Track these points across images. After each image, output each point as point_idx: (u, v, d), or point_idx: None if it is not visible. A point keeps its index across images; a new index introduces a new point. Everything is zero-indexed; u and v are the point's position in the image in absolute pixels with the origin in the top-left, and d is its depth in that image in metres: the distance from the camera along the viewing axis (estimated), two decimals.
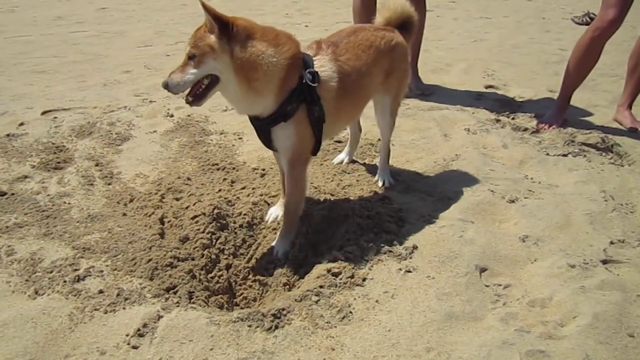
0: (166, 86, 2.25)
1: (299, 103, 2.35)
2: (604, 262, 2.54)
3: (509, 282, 2.39)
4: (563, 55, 6.94)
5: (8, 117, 4.15)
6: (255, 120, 2.45)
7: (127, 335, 1.98)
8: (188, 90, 2.30)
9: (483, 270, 2.45)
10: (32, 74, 5.46)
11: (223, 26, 2.17)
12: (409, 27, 3.08)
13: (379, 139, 3.30)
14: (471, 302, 2.23)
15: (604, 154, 3.79)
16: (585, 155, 3.74)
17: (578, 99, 4.75)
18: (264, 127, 2.44)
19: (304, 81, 2.34)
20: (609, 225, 2.88)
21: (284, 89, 2.31)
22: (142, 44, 7.09)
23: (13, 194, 3.00)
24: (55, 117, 4.19)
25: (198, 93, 2.31)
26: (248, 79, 2.24)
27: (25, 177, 3.20)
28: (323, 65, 2.46)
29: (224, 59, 2.21)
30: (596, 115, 4.73)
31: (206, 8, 2.15)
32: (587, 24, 9.24)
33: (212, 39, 2.19)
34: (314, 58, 2.46)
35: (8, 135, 3.79)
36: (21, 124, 4.02)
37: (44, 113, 4.29)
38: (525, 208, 2.98)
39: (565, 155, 3.74)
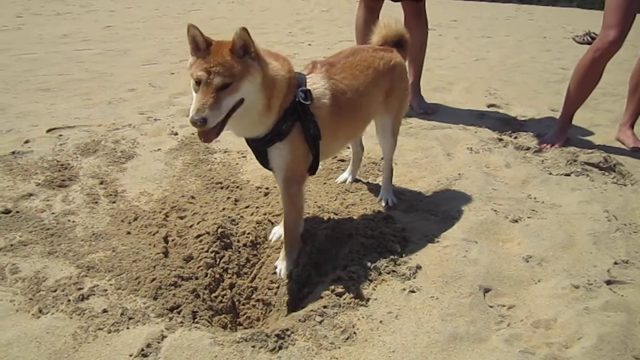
0: (204, 122, 2.03)
1: (294, 121, 2.36)
2: (608, 282, 2.54)
3: (513, 302, 2.39)
4: (564, 75, 7.00)
5: (13, 135, 4.18)
6: (252, 142, 2.45)
7: (130, 356, 1.98)
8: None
9: (487, 290, 2.45)
10: (37, 92, 5.51)
11: (253, 48, 2.15)
12: (403, 44, 3.12)
13: (382, 158, 3.32)
14: (475, 323, 2.22)
15: (606, 173, 3.80)
16: (588, 175, 3.75)
17: (580, 118, 4.77)
18: (260, 148, 2.43)
19: (297, 99, 2.35)
20: (612, 245, 2.88)
21: (281, 107, 2.33)
22: (147, 62, 7.17)
23: (18, 211, 3.01)
24: (60, 135, 4.22)
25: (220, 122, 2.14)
26: (269, 97, 2.25)
27: (30, 194, 3.21)
28: (315, 83, 2.47)
29: (258, 80, 2.17)
30: (598, 134, 4.76)
31: (247, 31, 2.08)
32: (588, 43, 9.32)
33: (249, 61, 2.13)
34: (307, 77, 2.48)
35: (13, 152, 3.81)
36: (26, 142, 4.04)
37: (49, 131, 4.32)
38: (529, 228, 2.98)
39: (568, 175, 3.75)
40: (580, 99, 4.33)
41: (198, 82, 2.09)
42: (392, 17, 3.19)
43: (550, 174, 3.78)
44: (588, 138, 4.65)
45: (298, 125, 2.39)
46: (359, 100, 2.66)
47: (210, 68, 2.07)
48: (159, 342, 2.03)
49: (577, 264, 2.68)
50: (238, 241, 2.80)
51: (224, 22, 11.49)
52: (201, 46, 2.13)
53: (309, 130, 2.41)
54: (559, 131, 4.37)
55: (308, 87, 2.41)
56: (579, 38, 10.45)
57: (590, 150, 4.07)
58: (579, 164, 3.89)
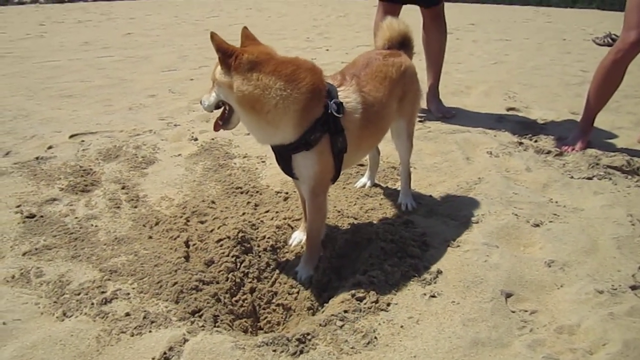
0: (201, 103, 2.48)
1: (323, 133, 2.34)
2: (633, 287, 2.49)
3: (536, 307, 2.36)
4: (585, 77, 6.92)
5: (37, 141, 4.26)
6: (275, 147, 2.45)
7: (153, 359, 1.99)
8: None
9: (509, 295, 2.42)
10: (60, 98, 5.61)
11: (226, 57, 2.22)
12: (408, 44, 3.10)
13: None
14: (497, 328, 2.20)
15: (629, 176, 3.75)
16: (610, 178, 3.69)
17: (601, 121, 4.71)
18: (284, 153, 2.43)
19: (329, 111, 2.33)
20: (637, 249, 2.83)
21: (306, 119, 2.28)
22: (167, 68, 7.25)
23: (42, 216, 3.06)
24: (83, 141, 4.29)
25: (224, 117, 2.45)
26: (256, 112, 2.24)
27: (54, 199, 3.27)
28: (348, 97, 2.45)
29: (226, 90, 2.28)
30: (620, 137, 4.69)
31: (213, 38, 2.20)
32: (609, 45, 9.20)
33: (217, 69, 2.29)
34: (338, 89, 2.45)
35: (37, 158, 3.88)
36: (49, 147, 4.12)
37: (71, 136, 4.39)
38: (551, 232, 2.95)
39: (590, 179, 3.70)
40: (602, 102, 4.27)
41: None
42: (395, 18, 3.15)
43: (572, 177, 3.73)
44: (610, 141, 4.58)
45: (327, 137, 2.37)
46: (382, 112, 2.65)
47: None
48: (181, 346, 2.04)
49: (600, 269, 2.64)
50: (258, 245, 2.82)
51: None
52: None
53: (337, 144, 2.41)
54: (580, 134, 4.32)
55: (341, 100, 2.39)
56: (599, 40, 10.31)
57: (613, 153, 4.02)
58: (601, 167, 3.83)
